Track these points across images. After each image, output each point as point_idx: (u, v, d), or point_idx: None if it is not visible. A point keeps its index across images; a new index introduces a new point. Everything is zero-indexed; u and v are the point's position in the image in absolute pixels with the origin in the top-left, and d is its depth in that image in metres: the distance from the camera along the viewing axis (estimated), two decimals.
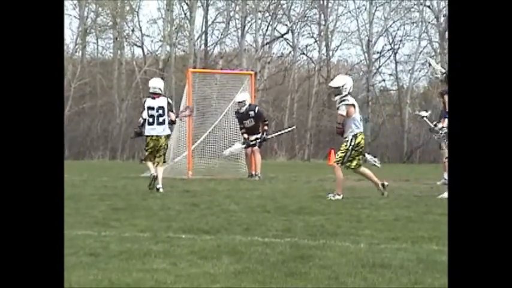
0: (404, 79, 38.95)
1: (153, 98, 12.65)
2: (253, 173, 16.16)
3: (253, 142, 16.32)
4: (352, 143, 11.02)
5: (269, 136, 16.84)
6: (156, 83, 12.83)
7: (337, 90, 10.95)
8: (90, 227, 7.40)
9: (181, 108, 18.12)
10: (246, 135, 16.33)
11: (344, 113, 11.06)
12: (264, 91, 37.82)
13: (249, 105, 16.31)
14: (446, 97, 14.65)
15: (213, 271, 5.10)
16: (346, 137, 11.12)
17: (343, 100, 11.07)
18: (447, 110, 14.16)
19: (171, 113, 12.69)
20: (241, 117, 16.37)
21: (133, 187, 12.97)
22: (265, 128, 16.57)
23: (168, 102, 12.73)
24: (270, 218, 8.32)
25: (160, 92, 12.69)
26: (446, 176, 14.29)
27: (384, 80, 39.79)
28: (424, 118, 12.71)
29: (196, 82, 18.30)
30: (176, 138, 18.05)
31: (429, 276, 4.98)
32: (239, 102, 16.34)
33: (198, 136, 17.96)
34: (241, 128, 16.44)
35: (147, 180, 15.60)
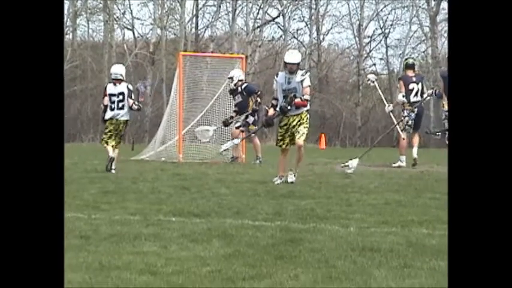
0: (394, 63, 38.96)
1: (115, 84, 13.13)
2: (256, 156, 16.11)
3: (244, 125, 16.14)
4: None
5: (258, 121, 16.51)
6: (117, 69, 13.38)
7: (296, 66, 10.77)
8: (80, 209, 7.39)
9: (172, 94, 18.12)
10: (234, 114, 16.23)
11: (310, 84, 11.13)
12: (255, 75, 37.77)
13: (239, 80, 16.16)
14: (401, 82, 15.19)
15: (203, 254, 5.11)
16: (305, 114, 10.95)
17: (307, 72, 11.13)
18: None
19: (129, 99, 13.05)
20: (231, 93, 16.36)
21: (123, 170, 12.96)
22: (254, 107, 16.21)
23: (128, 88, 13.13)
24: (261, 201, 8.33)
25: (121, 78, 13.17)
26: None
27: (374, 64, 39.80)
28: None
29: (187, 65, 18.24)
30: (167, 122, 18.04)
31: (418, 259, 5.00)
32: (228, 78, 16.30)
33: (189, 120, 17.93)
34: (235, 106, 16.40)
35: (138, 163, 15.63)
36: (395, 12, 38.99)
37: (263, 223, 6.58)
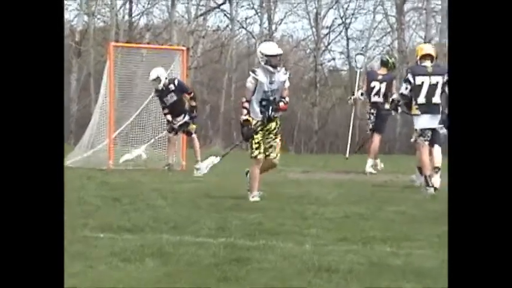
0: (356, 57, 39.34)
1: None
2: (197, 160, 16.08)
3: (181, 125, 16.09)
4: None
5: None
6: None
7: (280, 59, 10.06)
8: None
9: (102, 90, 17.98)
10: (169, 117, 16.11)
11: None
12: (198, 70, 37.78)
13: (166, 78, 15.99)
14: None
15: (136, 275, 5.09)
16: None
17: (287, 70, 10.43)
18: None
19: None
20: (161, 95, 16.04)
21: None
22: (193, 103, 16.15)
23: None
24: (203, 214, 8.32)
25: None
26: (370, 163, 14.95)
27: (333, 59, 40.06)
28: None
29: (119, 58, 18.15)
30: (96, 124, 17.89)
31: (381, 281, 5.05)
32: (155, 79, 15.99)
33: (121, 121, 17.83)
34: (163, 108, 16.16)
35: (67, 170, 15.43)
36: (357, 0, 39.34)
37: (205, 239, 6.58)
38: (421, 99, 11.58)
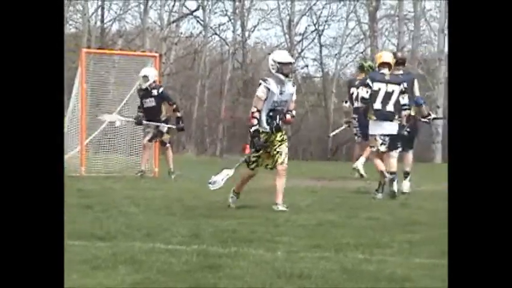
0: (329, 65, 39.51)
1: None
2: (169, 170, 16.05)
3: (150, 135, 16.04)
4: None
5: None
6: None
7: (291, 67, 9.98)
8: None
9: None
10: (141, 114, 16.08)
11: None
12: (170, 76, 37.72)
13: (154, 82, 15.99)
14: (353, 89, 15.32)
15: (107, 283, 5.07)
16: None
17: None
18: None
19: None
20: (143, 94, 16.00)
21: None
22: (178, 114, 16.22)
23: None
24: (175, 222, 8.31)
25: None
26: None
27: (306, 66, 40.19)
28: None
29: (91, 64, 18.07)
30: (67, 130, 17.80)
31: (353, 287, 5.07)
32: (143, 76, 16.00)
33: (93, 128, 17.75)
34: (138, 108, 16.11)
35: None
36: (330, 7, 39.66)
37: (177, 247, 6.57)
38: (377, 105, 11.78)
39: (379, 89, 11.85)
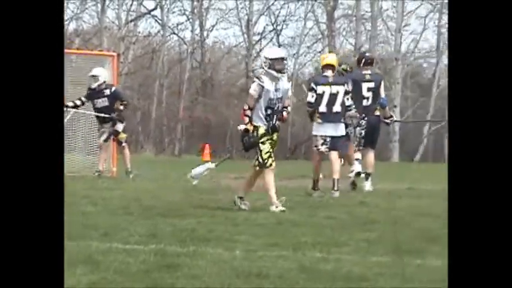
0: (288, 64, 39.60)
1: None
2: (126, 170, 15.95)
3: (106, 135, 15.94)
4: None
5: None
6: None
7: (283, 62, 9.82)
8: None
9: None
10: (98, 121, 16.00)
11: None
12: (129, 75, 37.57)
13: (104, 82, 15.87)
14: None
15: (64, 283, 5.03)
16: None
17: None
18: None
19: None
20: (92, 94, 15.86)
21: None
22: (120, 107, 15.84)
23: None
24: (133, 221, 8.27)
25: None
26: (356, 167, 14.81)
27: None
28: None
29: None
30: None
31: (311, 286, 5.08)
32: (92, 76, 15.87)
33: None
34: (97, 110, 15.98)
35: None
36: (288, 7, 39.62)
37: (135, 246, 6.54)
38: (322, 108, 11.92)
39: (324, 92, 11.99)
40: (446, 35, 37.96)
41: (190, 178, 9.87)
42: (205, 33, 39.14)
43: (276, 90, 9.62)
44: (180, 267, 5.59)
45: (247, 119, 9.64)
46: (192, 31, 38.85)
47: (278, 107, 9.67)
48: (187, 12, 38.76)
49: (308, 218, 8.91)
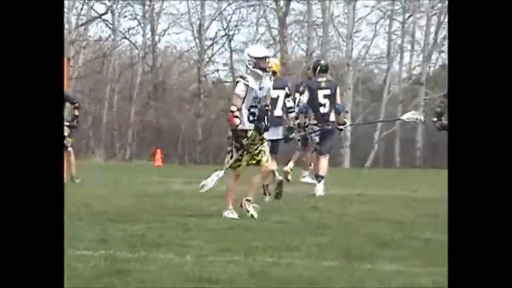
0: (240, 69, 39.60)
1: None
2: (71, 176, 15.80)
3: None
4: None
5: None
6: None
7: (267, 61, 9.67)
8: None
9: None
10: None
11: None
12: (79, 80, 37.31)
13: None
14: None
15: None
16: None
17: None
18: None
19: None
20: None
21: None
22: (76, 113, 15.71)
23: None
24: (83, 227, 8.21)
25: None
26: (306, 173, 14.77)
27: (217, 71, 40.28)
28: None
29: None
30: None
31: None
32: None
33: None
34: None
35: None
36: (240, 12, 39.72)
37: (85, 252, 6.49)
38: None
39: None
40: (397, 41, 38.35)
41: (200, 189, 9.82)
42: (156, 38, 39.05)
43: (260, 89, 9.56)
44: (131, 273, 5.56)
45: (238, 121, 9.50)
46: (143, 36, 38.75)
47: (262, 106, 9.62)
48: (138, 17, 38.65)
49: (259, 222, 8.91)
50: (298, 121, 12.91)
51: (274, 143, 12.10)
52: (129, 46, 40.18)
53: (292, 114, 12.38)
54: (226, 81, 40.72)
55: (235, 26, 38.63)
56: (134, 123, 37.76)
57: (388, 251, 6.78)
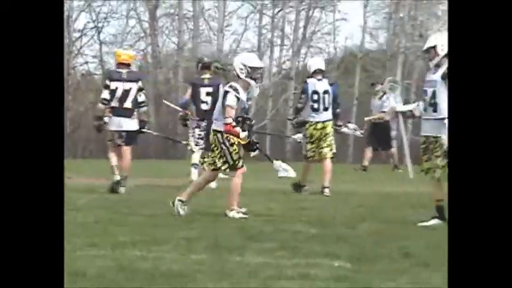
0: (110, 62, 39.14)
1: None
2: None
3: None
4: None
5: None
6: None
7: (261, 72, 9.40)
8: None
9: None
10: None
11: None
12: None
13: None
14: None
15: None
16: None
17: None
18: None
19: None
20: None
21: None
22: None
23: None
24: None
25: None
26: None
27: (86, 63, 39.68)
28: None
29: None
30: None
31: (130, 285, 5.06)
32: None
33: None
34: None
35: None
36: (109, 4, 39.15)
37: None
38: (115, 103, 12.40)
39: (117, 88, 12.45)
40: (267, 36, 38.74)
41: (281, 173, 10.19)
42: None
43: (248, 99, 9.36)
44: None
45: (239, 130, 9.14)
46: None
47: (249, 120, 9.38)
48: None
49: (128, 216, 8.86)
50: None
51: (130, 133, 12.34)
52: None
53: (144, 109, 12.72)
54: (95, 74, 40.18)
55: (105, 18, 38.07)
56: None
57: (257, 244, 6.84)
